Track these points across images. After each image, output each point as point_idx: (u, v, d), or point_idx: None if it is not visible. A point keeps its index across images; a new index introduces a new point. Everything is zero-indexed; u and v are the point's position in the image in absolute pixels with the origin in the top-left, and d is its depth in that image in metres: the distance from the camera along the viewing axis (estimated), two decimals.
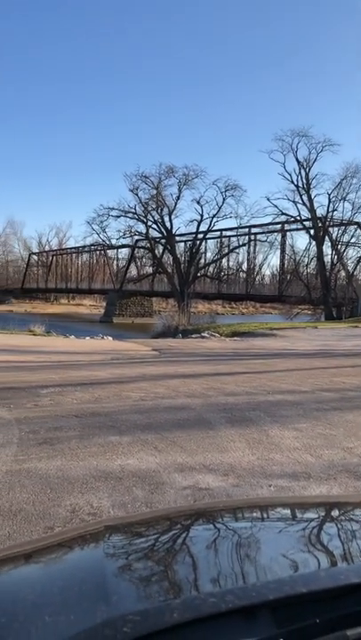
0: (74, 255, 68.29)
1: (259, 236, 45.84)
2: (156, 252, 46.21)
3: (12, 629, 0.82)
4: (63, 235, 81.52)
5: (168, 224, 43.14)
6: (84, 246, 61.10)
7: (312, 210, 38.71)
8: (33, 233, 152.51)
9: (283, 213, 40.00)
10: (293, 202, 39.34)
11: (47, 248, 78.53)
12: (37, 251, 78.46)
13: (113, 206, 43.77)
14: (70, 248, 70.99)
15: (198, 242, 44.43)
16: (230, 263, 49.66)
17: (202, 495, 4.09)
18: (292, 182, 38.74)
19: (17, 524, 3.53)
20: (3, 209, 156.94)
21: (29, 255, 76.66)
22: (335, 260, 40.36)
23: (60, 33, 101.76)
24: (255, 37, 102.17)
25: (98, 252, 61.90)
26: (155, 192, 42.38)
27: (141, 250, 50.05)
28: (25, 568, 1.19)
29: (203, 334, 22.32)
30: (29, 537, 3.34)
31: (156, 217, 43.44)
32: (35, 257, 76.36)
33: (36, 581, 1.04)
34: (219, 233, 46.91)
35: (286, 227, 42.74)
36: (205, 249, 47.66)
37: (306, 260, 42.96)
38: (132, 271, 54.31)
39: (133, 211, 43.38)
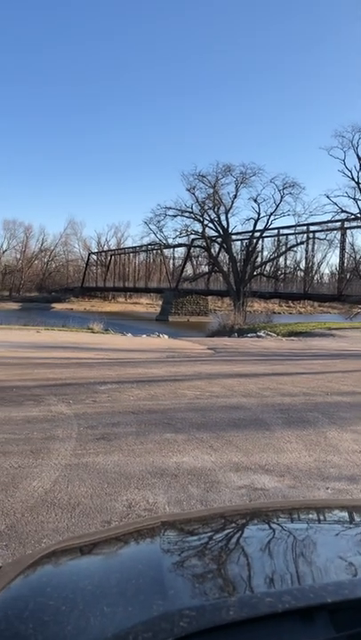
0: (131, 254, 69.23)
1: (317, 234, 44.74)
2: (212, 250, 46.02)
3: (72, 617, 0.84)
4: (121, 234, 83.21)
5: (224, 223, 42.91)
6: (141, 246, 61.86)
7: None
8: (92, 233, 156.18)
9: (343, 211, 38.96)
10: (354, 199, 38.18)
11: (106, 248, 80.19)
12: (96, 250, 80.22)
13: (170, 206, 44.05)
14: (128, 248, 72.12)
15: (255, 240, 43.87)
16: (288, 262, 48.68)
17: (257, 495, 4.06)
18: (353, 179, 37.64)
19: (75, 517, 3.63)
20: (64, 210, 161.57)
21: (89, 255, 78.42)
22: None
23: (105, 29, 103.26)
24: (315, 32, 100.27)
25: (155, 252, 62.46)
26: (211, 191, 42.23)
27: (197, 249, 50.03)
28: (84, 559, 1.22)
29: (259, 333, 22.13)
30: (87, 530, 3.43)
31: (213, 216, 43.30)
32: (94, 256, 78.03)
33: (95, 572, 1.06)
34: (276, 231, 46.12)
35: (346, 224, 41.53)
36: (262, 247, 46.96)
37: None
38: (188, 270, 54.38)
39: (190, 210, 43.42)
